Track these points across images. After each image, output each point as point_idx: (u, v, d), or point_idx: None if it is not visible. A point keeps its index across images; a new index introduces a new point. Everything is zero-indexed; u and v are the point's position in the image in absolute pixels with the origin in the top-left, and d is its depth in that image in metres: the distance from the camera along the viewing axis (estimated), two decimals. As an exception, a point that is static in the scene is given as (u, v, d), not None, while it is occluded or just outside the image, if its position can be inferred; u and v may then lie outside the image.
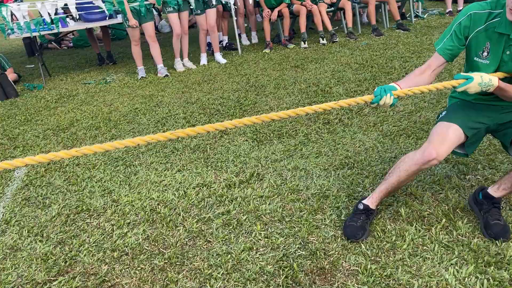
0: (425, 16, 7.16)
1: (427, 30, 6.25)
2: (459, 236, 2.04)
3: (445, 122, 2.00)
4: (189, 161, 3.15)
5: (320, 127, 3.46)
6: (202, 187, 2.76)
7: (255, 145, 3.28)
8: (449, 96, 2.28)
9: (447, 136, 1.94)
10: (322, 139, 3.24)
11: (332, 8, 6.67)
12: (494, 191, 2.10)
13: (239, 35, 6.89)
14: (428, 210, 2.26)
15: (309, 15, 6.49)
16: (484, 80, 1.80)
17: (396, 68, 4.69)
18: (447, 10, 7.10)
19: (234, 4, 6.14)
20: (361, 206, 2.16)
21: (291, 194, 2.57)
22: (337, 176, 2.70)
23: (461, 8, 7.11)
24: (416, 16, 7.15)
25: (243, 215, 2.42)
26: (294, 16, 6.57)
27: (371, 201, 2.16)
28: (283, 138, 3.33)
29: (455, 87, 1.84)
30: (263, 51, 6.28)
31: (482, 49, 1.91)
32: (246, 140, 3.39)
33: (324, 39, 6.29)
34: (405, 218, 2.21)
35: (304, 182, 2.68)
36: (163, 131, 3.73)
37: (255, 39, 7.13)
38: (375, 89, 1.85)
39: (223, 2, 6.17)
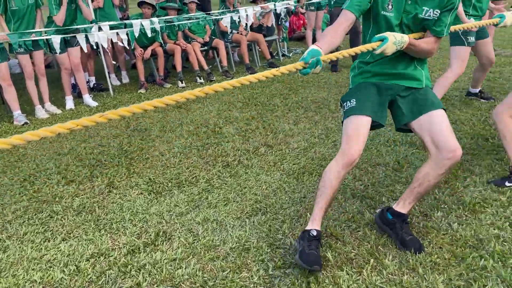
0: (290, 55, 7.64)
1: (296, 68, 6.63)
2: (389, 275, 2.02)
3: (356, 115, 2.06)
4: (75, 226, 2.64)
5: (220, 170, 3.27)
6: (99, 258, 2.31)
7: (153, 198, 2.93)
8: (352, 76, 2.28)
9: (360, 133, 2.04)
10: (226, 184, 3.05)
11: (206, 47, 6.66)
12: (401, 208, 2.21)
13: (109, 75, 6.39)
14: (353, 250, 2.21)
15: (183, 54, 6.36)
16: (397, 38, 1.88)
17: (278, 105, 4.80)
18: (309, 49, 7.70)
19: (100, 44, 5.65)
20: (314, 233, 2.08)
21: (208, 252, 2.29)
22: (252, 224, 2.52)
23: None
24: (283, 55, 7.58)
25: (157, 286, 2.06)
26: (168, 55, 6.37)
27: (317, 224, 2.11)
28: (184, 187, 3.04)
29: (374, 49, 1.91)
30: (138, 92, 5.90)
31: (387, 3, 2.00)
32: (141, 193, 3.00)
33: (201, 78, 6.20)
34: (334, 263, 2.13)
35: (219, 235, 2.44)
36: (34, 192, 3.11)
37: (126, 79, 6.70)
38: (304, 56, 1.77)
39: (90, 42, 5.66)
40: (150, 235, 2.48)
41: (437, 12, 2.00)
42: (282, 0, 7.35)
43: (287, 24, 8.47)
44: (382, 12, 2.03)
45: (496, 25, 2.67)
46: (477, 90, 4.45)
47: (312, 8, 7.38)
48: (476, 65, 4.41)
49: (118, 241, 2.45)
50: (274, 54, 7.49)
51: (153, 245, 2.39)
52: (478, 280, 1.94)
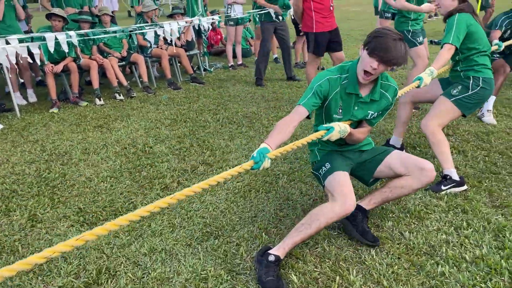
0: (212, 70, 7.54)
1: (220, 83, 6.54)
2: (357, 291, 1.99)
3: (338, 171, 2.24)
4: (-5, 271, 2.24)
5: (159, 194, 3.03)
6: (31, 307, 1.97)
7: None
8: (315, 150, 2.49)
9: (349, 184, 2.18)
10: (168, 208, 2.83)
11: (124, 62, 6.30)
12: (365, 204, 2.41)
13: (13, 93, 5.72)
14: (315, 269, 2.15)
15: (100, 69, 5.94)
16: (341, 128, 2.15)
17: (209, 121, 4.66)
18: (229, 64, 7.67)
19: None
20: (272, 258, 2.07)
21: (161, 286, 2.07)
22: (206, 250, 2.35)
23: (240, 62, 7.79)
24: (205, 69, 7.45)
25: (108, 333, 1.80)
26: (82, 70, 5.90)
27: (282, 252, 2.11)
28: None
29: (322, 136, 2.15)
30: (50, 111, 5.35)
31: (338, 107, 2.28)
32: (72, 226, 2.66)
33: (121, 94, 5.83)
34: (300, 284, 2.04)
35: (170, 266, 2.23)
36: None
37: (32, 98, 6.05)
38: (253, 155, 1.89)
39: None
40: (91, 273, 2.18)
41: (377, 114, 2.33)
42: (204, 15, 7.26)
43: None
44: (334, 115, 2.29)
45: (418, 86, 2.88)
46: None
47: (232, 23, 7.39)
48: (412, 67, 4.68)
49: (52, 284, 2.12)
50: (195, 69, 7.33)
51: (96, 284, 2.11)
52: (440, 287, 1.98)
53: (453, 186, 2.87)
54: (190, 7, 7.28)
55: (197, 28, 7.09)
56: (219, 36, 9.14)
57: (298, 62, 7.47)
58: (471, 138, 3.78)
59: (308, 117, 2.21)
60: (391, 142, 3.60)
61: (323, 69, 6.64)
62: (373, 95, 2.24)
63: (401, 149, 3.52)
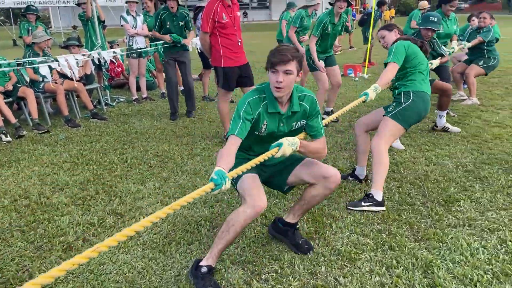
0: (114, 104, 7.05)
1: (124, 118, 6.10)
2: None
3: (246, 175, 2.30)
4: None
5: (61, 256, 2.58)
6: None
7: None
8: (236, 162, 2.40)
9: (257, 185, 2.30)
10: (72, 273, 2.40)
11: (10, 99, 5.57)
12: (291, 219, 2.60)
13: None
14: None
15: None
16: (290, 141, 2.23)
17: (115, 162, 4.24)
18: (134, 98, 7.25)
19: None
20: (205, 269, 2.26)
21: None
22: (124, 325, 1.99)
23: (145, 95, 7.41)
24: (106, 104, 6.94)
25: None
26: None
27: (212, 261, 2.29)
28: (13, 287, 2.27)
29: (273, 155, 2.20)
30: None
31: (262, 125, 2.35)
32: None
33: (7, 135, 5.11)
34: None
35: None
36: None
37: None
38: (212, 177, 1.91)
39: None
40: None
41: (303, 121, 2.44)
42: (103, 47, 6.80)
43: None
44: (256, 132, 2.36)
45: (364, 101, 3.22)
46: (330, 109, 5.70)
47: (134, 55, 7.03)
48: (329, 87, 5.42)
49: None
50: (95, 104, 6.79)
51: None
52: (384, 337, 1.89)
53: (373, 205, 3.07)
54: (88, 39, 6.79)
55: (96, 61, 6.60)
56: (119, 69, 8.66)
57: (207, 95, 7.32)
58: (383, 169, 3.91)
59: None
60: (356, 173, 3.66)
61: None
62: (293, 108, 2.36)
63: (365, 179, 3.64)
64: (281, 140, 2.21)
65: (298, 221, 2.65)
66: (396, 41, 3.45)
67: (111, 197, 3.43)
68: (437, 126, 5.04)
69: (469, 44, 6.12)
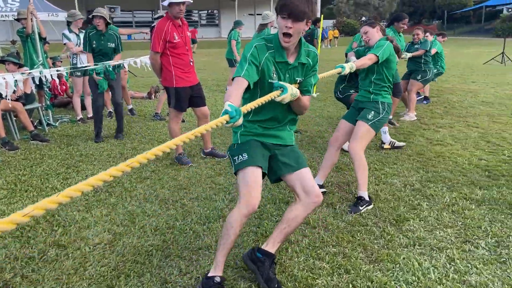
0: (57, 124, 6.69)
1: (69, 140, 5.79)
2: None
3: (250, 166, 2.33)
4: None
5: (-4, 297, 2.35)
6: None
7: None
8: (239, 132, 2.49)
9: (258, 182, 2.31)
10: (10, 317, 2.19)
11: None
12: (270, 247, 2.48)
13: None
14: None
15: None
16: (293, 90, 2.24)
17: (58, 188, 3.99)
18: (78, 118, 6.93)
19: None
20: (218, 279, 2.30)
21: None
22: None
23: (91, 115, 7.10)
24: (49, 124, 6.57)
25: None
26: None
27: (219, 270, 2.33)
28: None
29: (277, 96, 2.17)
30: None
31: (271, 71, 2.31)
32: None
33: None
34: None
35: None
36: None
37: None
38: (226, 110, 1.84)
39: None
40: None
41: (307, 76, 2.45)
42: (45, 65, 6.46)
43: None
44: (269, 80, 2.31)
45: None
46: None
47: (78, 74, 6.75)
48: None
49: None
50: (36, 124, 6.41)
51: None
52: None
53: (366, 205, 3.46)
54: (28, 56, 6.44)
55: (37, 81, 6.24)
56: (64, 87, 8.28)
57: (158, 113, 7.14)
58: (335, 189, 3.96)
59: (248, 87, 2.18)
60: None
61: (183, 121, 6.46)
62: (300, 59, 2.36)
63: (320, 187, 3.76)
64: (286, 84, 2.21)
65: (276, 252, 2.54)
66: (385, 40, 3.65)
67: (53, 227, 3.20)
68: (384, 143, 5.22)
69: (410, 55, 6.76)
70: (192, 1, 4.50)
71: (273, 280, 2.39)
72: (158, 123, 6.79)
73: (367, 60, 3.46)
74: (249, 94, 2.36)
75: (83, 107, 7.17)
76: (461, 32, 39.62)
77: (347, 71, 3.32)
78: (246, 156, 2.36)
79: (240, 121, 1.85)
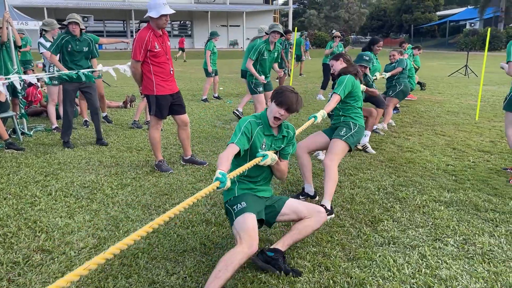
0: (31, 133, 6.61)
1: (45, 148, 5.73)
2: None
3: (249, 213, 2.60)
4: None
5: (-16, 301, 2.36)
6: None
7: None
8: (235, 187, 2.79)
9: (255, 227, 2.55)
10: (-1, 319, 2.21)
11: None
12: (280, 246, 2.76)
13: None
14: None
15: None
16: (273, 156, 2.73)
17: (38, 195, 3.96)
18: (54, 127, 6.86)
19: None
20: None
21: None
22: None
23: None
24: (23, 133, 6.47)
25: None
26: None
27: None
28: None
29: (259, 162, 2.66)
30: None
31: (261, 143, 2.81)
32: None
33: None
34: None
35: None
36: None
37: None
38: (217, 177, 2.25)
39: None
40: None
41: (287, 144, 2.96)
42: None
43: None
44: (259, 151, 2.76)
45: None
46: None
47: (55, 82, 6.71)
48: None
49: None
50: (10, 133, 6.31)
51: None
52: None
53: (329, 214, 3.50)
54: (2, 64, 6.35)
55: (12, 89, 6.16)
56: (39, 95, 8.17)
57: (136, 121, 7.15)
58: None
59: (238, 153, 2.64)
60: (305, 191, 4.04)
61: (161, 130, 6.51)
62: (283, 132, 2.91)
63: (314, 196, 4.04)
64: (266, 152, 2.70)
65: (285, 250, 2.80)
66: (345, 71, 4.08)
67: (36, 233, 3.21)
68: (359, 143, 5.46)
69: (388, 74, 7.23)
70: (175, 11, 4.63)
71: (289, 271, 2.66)
72: (135, 131, 6.81)
73: (333, 102, 3.91)
74: (241, 159, 2.76)
75: (58, 116, 7.11)
76: (427, 46, 41.16)
77: (319, 120, 3.74)
78: (245, 204, 2.66)
79: (228, 185, 2.25)
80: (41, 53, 6.82)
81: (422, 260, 2.87)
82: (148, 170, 4.76)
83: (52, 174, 4.64)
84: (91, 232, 3.23)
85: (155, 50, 4.43)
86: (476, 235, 3.22)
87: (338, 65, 4.25)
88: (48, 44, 6.70)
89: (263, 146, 2.82)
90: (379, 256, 2.91)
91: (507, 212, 3.65)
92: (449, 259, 2.87)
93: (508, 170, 4.79)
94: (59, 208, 3.70)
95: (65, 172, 4.70)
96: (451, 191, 4.16)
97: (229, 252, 2.41)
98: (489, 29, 9.26)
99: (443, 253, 2.97)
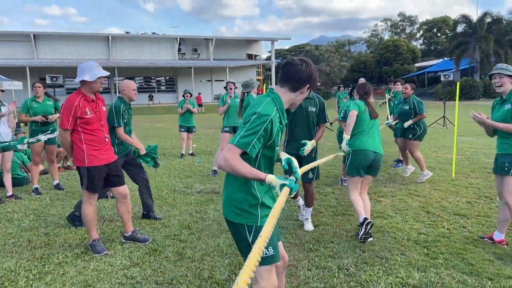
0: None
1: (-26, 225, 5.11)
2: None
3: (276, 264, 2.39)
4: None
5: None
6: None
7: None
8: (260, 214, 2.34)
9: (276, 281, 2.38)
10: None
11: None
12: None
13: None
14: None
15: None
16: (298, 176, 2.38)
17: None
18: (-4, 196, 6.27)
19: None
20: None
21: None
22: None
23: (10, 193, 6.46)
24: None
25: None
26: None
27: None
28: None
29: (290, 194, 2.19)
30: None
31: (278, 139, 2.39)
32: None
33: None
34: None
35: None
36: None
37: None
38: (283, 183, 2.11)
39: None
40: None
41: None
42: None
43: None
44: (276, 147, 2.39)
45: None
46: None
47: (-2, 148, 6.19)
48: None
49: None
50: None
51: None
52: None
53: None
54: None
55: None
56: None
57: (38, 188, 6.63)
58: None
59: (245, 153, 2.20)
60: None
61: (112, 197, 5.96)
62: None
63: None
64: (291, 178, 2.25)
65: None
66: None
67: None
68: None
69: (410, 122, 7.16)
70: (109, 74, 4.28)
71: None
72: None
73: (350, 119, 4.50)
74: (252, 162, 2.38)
75: (1, 184, 6.53)
76: (407, 96, 41.91)
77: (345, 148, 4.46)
78: (272, 251, 2.34)
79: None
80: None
81: None
82: (80, 252, 4.15)
83: (-34, 260, 4.00)
84: None
85: (86, 117, 3.99)
86: (448, 334, 2.67)
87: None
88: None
89: (287, 177, 2.35)
90: None
91: (485, 298, 3.12)
92: None
93: (485, 239, 4.30)
94: (-49, 310, 3.07)
95: (-18, 257, 4.07)
96: (421, 269, 3.62)
97: None
98: (457, 83, 9.13)
99: None
